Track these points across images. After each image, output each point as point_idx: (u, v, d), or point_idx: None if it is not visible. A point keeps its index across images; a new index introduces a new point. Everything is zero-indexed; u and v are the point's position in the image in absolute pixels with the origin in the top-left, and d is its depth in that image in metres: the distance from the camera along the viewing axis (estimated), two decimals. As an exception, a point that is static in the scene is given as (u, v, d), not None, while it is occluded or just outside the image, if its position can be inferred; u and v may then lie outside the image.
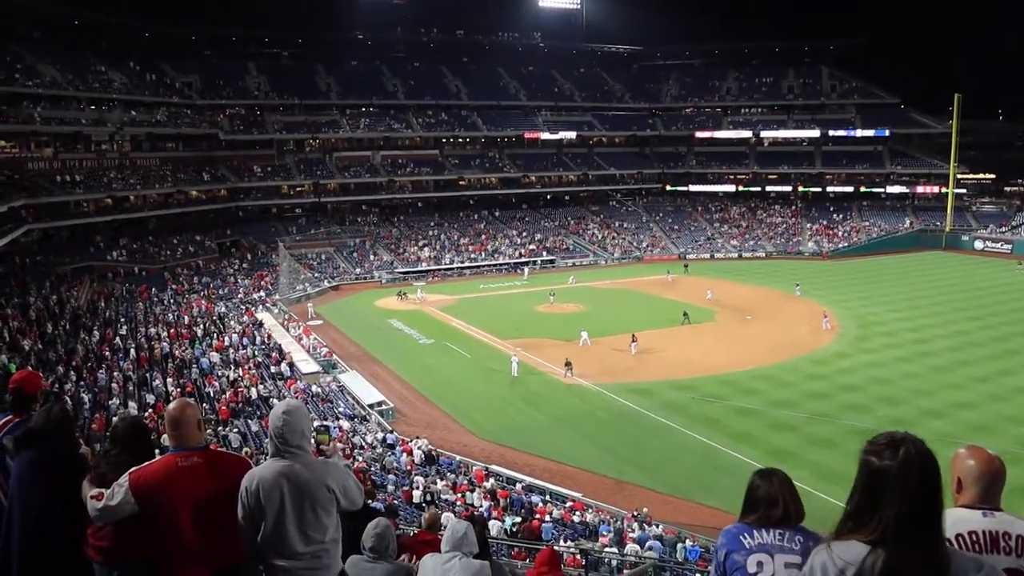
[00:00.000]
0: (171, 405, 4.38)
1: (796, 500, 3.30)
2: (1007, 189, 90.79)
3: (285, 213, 77.80)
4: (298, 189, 78.48)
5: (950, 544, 3.09)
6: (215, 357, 37.36)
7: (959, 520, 3.09)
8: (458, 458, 28.19)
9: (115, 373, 32.60)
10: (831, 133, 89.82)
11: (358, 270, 68.69)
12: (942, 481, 2.39)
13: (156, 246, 62.78)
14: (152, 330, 41.27)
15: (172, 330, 41.50)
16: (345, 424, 30.70)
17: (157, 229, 65.42)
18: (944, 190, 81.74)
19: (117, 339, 38.78)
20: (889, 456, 2.35)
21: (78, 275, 52.39)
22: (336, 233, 74.90)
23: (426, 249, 73.47)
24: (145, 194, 64.90)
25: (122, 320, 43.36)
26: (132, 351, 36.65)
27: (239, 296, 56.53)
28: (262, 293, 57.86)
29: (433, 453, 28.07)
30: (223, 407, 30.21)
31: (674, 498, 25.47)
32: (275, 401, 32.07)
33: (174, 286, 55.50)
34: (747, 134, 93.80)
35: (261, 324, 46.57)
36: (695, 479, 26.66)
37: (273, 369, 37.21)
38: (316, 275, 65.38)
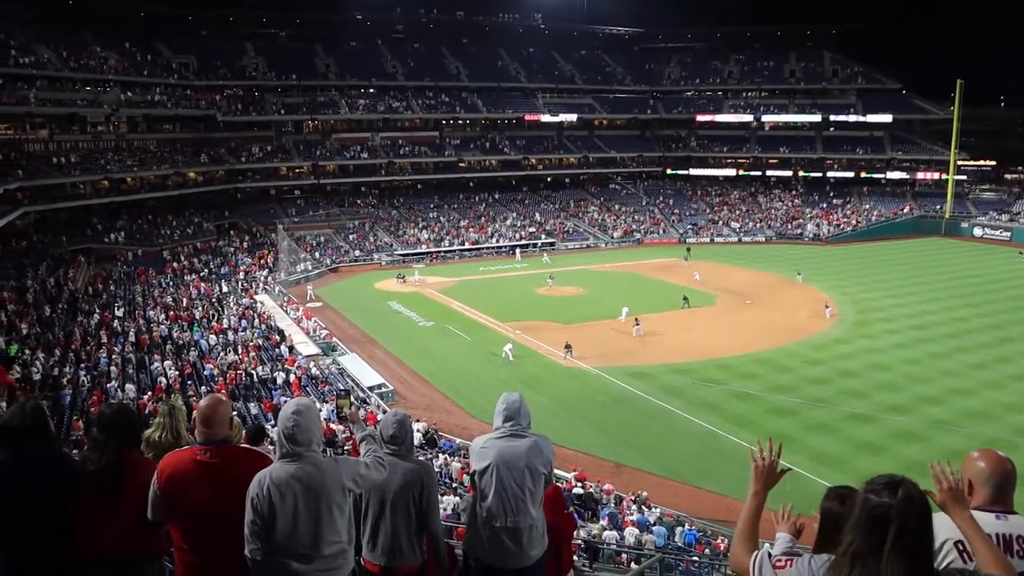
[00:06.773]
0: (203, 401, 4.34)
1: None
2: (1007, 176, 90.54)
3: (284, 195, 77.43)
4: (297, 171, 78.06)
5: (963, 547, 3.07)
6: (213, 340, 37.32)
7: None
8: (458, 440, 28.21)
9: (114, 356, 32.58)
10: (832, 118, 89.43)
11: (357, 252, 68.54)
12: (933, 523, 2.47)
13: (154, 227, 62.55)
14: (151, 312, 41.20)
15: (171, 312, 41.45)
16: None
17: (155, 210, 65.16)
18: (944, 176, 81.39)
19: (115, 322, 38.74)
20: (888, 495, 2.41)
21: (75, 257, 52.27)
22: (335, 215, 74.72)
23: (425, 231, 73.31)
24: (142, 176, 64.47)
25: (119, 302, 43.29)
26: (131, 333, 36.62)
27: (240, 275, 56.43)
28: (265, 272, 57.80)
29: (433, 435, 28.09)
30: (222, 389, 30.16)
31: (673, 482, 25.56)
32: (277, 379, 32.17)
33: (175, 265, 55.42)
34: (748, 118, 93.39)
35: (260, 306, 46.53)
36: (694, 463, 26.74)
37: (273, 352, 37.16)
38: (316, 257, 65.28)
